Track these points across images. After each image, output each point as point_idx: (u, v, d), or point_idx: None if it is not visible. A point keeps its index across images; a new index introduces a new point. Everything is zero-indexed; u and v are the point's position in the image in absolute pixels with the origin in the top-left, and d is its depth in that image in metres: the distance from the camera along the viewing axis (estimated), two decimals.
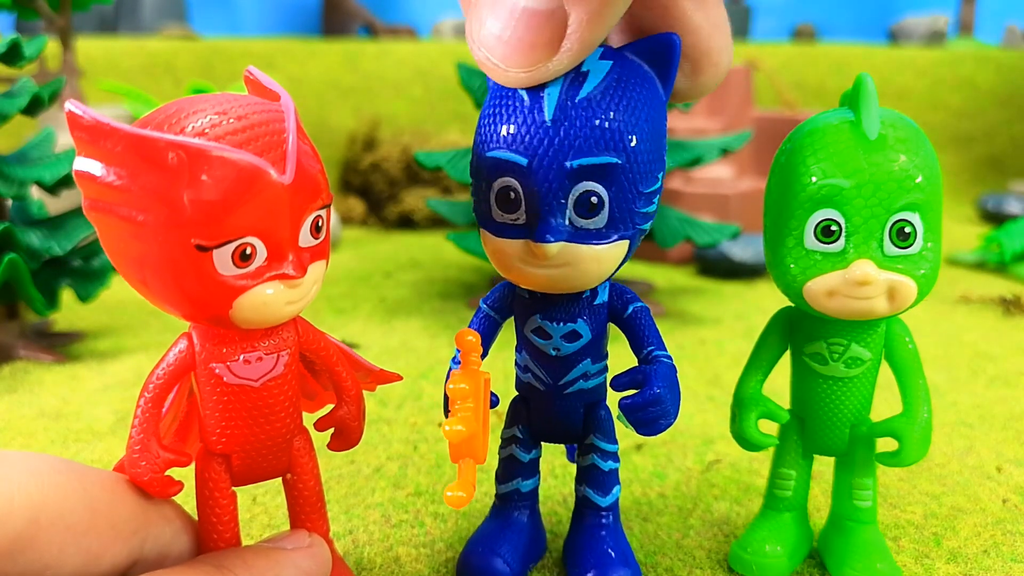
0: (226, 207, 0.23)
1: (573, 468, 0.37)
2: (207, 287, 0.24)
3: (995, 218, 1.20)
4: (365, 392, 0.32)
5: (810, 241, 0.30)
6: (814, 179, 0.29)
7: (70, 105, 0.23)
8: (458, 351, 0.28)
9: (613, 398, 0.32)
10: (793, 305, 0.33)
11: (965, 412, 0.52)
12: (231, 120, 0.24)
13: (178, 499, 0.29)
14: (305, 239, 0.26)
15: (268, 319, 0.26)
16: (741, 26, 2.45)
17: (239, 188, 0.23)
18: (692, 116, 1.06)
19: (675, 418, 0.29)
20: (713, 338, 0.67)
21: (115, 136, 0.23)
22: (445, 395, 0.30)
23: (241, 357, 0.27)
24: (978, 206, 1.25)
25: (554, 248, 0.27)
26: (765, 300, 0.80)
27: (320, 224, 0.26)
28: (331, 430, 0.32)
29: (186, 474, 0.29)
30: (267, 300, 0.25)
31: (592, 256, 0.28)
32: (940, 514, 0.40)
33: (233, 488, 0.29)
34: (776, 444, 0.35)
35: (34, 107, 0.57)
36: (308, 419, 0.32)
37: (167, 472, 0.27)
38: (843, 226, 0.29)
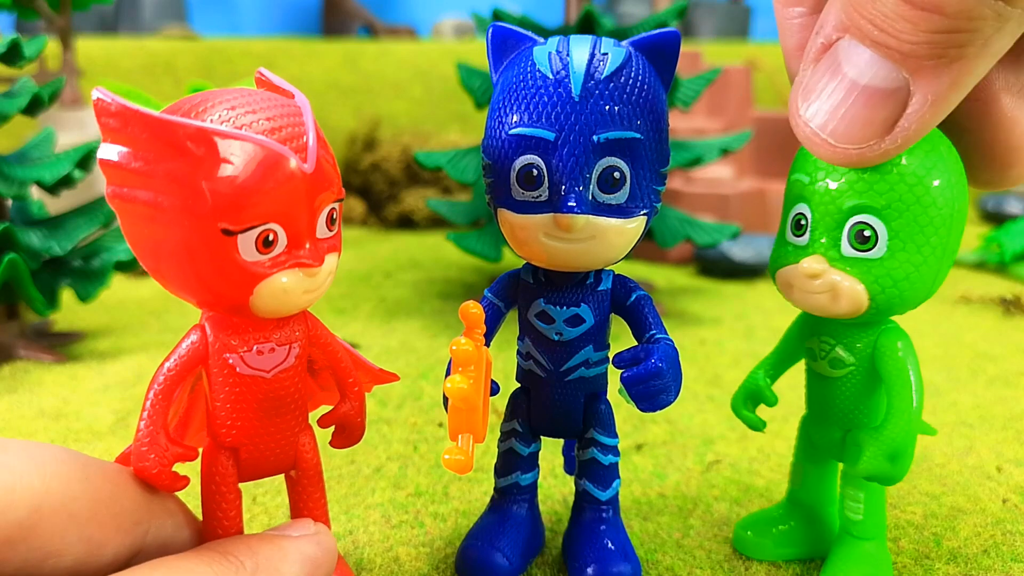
0: (252, 192, 0.24)
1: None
2: (230, 273, 0.25)
3: (995, 218, 1.20)
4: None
5: (788, 234, 0.31)
6: (792, 172, 0.31)
7: (98, 92, 0.24)
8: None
9: (614, 393, 0.32)
10: None
11: (965, 412, 0.52)
12: (255, 111, 0.25)
13: (182, 494, 0.29)
14: (321, 230, 0.26)
15: (287, 307, 0.26)
16: (741, 26, 2.45)
17: (264, 174, 0.24)
18: (692, 116, 1.06)
19: (676, 396, 0.30)
20: (713, 338, 0.67)
21: (143, 122, 0.23)
22: (448, 371, 0.30)
23: (255, 348, 0.27)
24: (978, 206, 1.25)
25: (580, 220, 0.28)
26: (765, 300, 0.80)
27: (334, 217, 0.27)
28: (332, 428, 0.32)
29: (189, 470, 0.29)
30: (286, 287, 0.26)
31: (616, 229, 0.29)
32: (940, 514, 0.40)
33: (239, 484, 0.29)
34: (762, 425, 0.35)
35: (34, 107, 0.57)
36: (312, 417, 0.32)
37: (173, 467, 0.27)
38: (809, 221, 0.30)
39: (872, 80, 0.23)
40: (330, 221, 0.27)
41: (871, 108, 0.24)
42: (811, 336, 0.33)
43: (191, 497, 0.29)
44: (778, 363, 0.35)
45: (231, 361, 0.27)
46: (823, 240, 0.29)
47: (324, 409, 0.32)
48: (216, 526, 0.29)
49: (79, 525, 0.24)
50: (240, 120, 0.24)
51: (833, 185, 0.29)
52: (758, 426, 0.35)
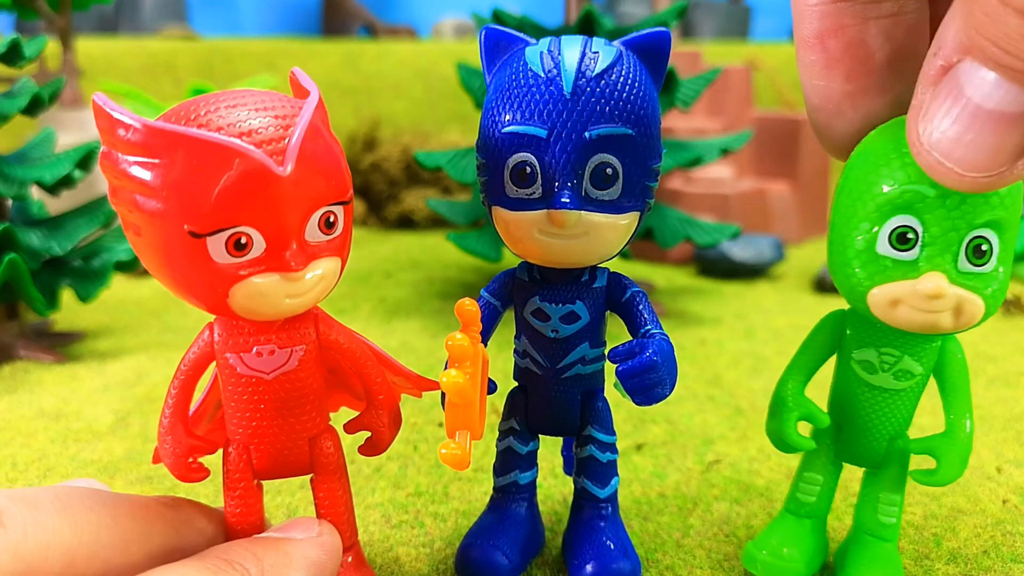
0: (217, 195, 0.23)
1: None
2: (203, 274, 0.25)
3: None
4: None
5: (883, 247, 0.28)
6: (896, 183, 0.28)
7: (97, 98, 0.24)
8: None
9: (611, 390, 0.32)
10: (848, 308, 0.32)
11: None
12: (242, 111, 0.24)
13: (204, 491, 0.29)
14: (313, 234, 0.26)
15: (267, 310, 0.26)
16: (741, 26, 2.45)
17: (230, 176, 0.23)
18: (692, 116, 1.06)
19: (671, 389, 0.30)
20: (713, 338, 0.67)
21: (116, 123, 0.24)
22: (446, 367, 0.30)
23: (254, 349, 0.27)
24: None
25: (573, 216, 0.28)
26: (765, 300, 0.80)
27: (332, 220, 0.26)
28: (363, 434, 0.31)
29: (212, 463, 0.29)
30: (262, 291, 0.25)
31: (609, 225, 0.29)
32: (940, 515, 0.40)
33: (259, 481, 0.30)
34: (814, 447, 0.34)
35: (34, 107, 0.57)
36: (336, 420, 0.31)
37: (198, 460, 0.28)
38: (920, 235, 0.28)
39: (999, 104, 0.22)
40: (325, 224, 0.26)
41: (1000, 134, 0.22)
42: (862, 348, 0.32)
43: (217, 497, 0.29)
44: (806, 377, 0.34)
45: (231, 361, 0.27)
46: (940, 255, 0.28)
47: (352, 413, 0.32)
48: (235, 521, 0.29)
49: (111, 571, 0.24)
50: (218, 122, 0.24)
51: (967, 199, 0.27)
52: (811, 447, 0.33)
